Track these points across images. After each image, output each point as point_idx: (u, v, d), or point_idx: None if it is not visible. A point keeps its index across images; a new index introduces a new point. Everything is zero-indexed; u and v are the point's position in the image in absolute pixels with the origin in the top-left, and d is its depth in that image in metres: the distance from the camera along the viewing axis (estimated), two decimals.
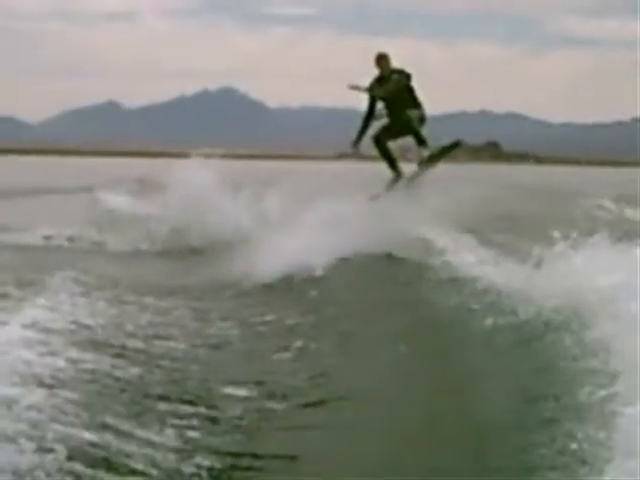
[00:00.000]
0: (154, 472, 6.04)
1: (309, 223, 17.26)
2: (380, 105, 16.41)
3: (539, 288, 10.74)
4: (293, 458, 6.82)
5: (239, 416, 7.86)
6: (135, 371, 8.94)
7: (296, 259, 15.18)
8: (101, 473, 5.82)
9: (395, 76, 15.93)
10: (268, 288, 14.48)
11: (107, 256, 20.52)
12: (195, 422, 7.38)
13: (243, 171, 39.86)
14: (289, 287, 14.38)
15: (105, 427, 6.75)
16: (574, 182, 69.86)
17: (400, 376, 9.03)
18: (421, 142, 16.24)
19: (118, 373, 8.73)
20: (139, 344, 10.28)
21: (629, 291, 8.32)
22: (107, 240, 22.76)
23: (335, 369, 9.49)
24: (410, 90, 16.13)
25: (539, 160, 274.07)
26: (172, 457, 6.43)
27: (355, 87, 16.55)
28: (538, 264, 12.81)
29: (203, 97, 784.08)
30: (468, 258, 13.97)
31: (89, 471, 5.81)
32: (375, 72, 16.32)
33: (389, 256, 15.40)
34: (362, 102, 16.41)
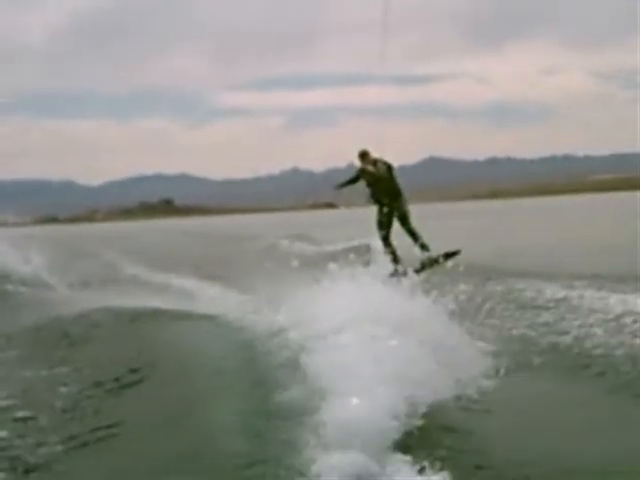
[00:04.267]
0: None
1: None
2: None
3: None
4: None
5: None
6: None
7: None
8: None
9: (380, 165, 15.17)
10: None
11: None
12: None
13: None
14: None
15: None
16: (249, 227, 72.30)
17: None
18: (423, 247, 14.83)
19: None
20: None
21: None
22: None
23: None
24: (393, 179, 15.28)
25: (206, 212, 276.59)
26: None
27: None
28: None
29: None
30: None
31: None
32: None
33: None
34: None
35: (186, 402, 8.86)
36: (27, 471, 6.49)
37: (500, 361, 8.67)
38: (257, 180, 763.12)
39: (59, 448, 7.23)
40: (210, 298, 17.04)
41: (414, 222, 15.01)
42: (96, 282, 23.08)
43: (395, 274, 13.87)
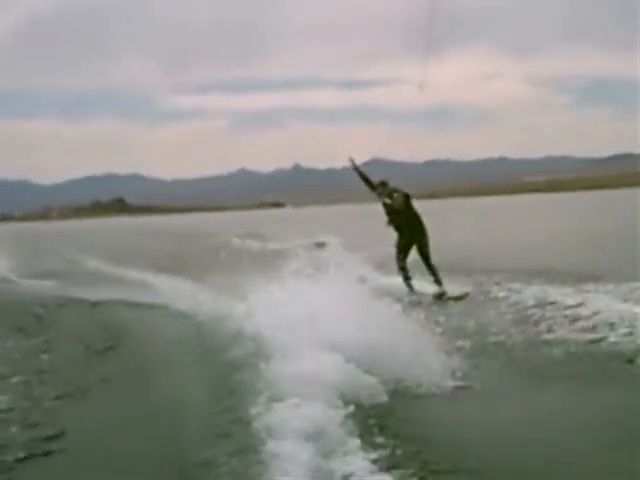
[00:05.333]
0: None
1: None
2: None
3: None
4: None
5: None
6: None
7: None
8: None
9: (396, 196, 14.86)
10: None
11: None
12: None
13: None
14: None
15: None
16: (200, 226, 70.92)
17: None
18: (437, 281, 14.71)
19: None
20: None
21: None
22: None
23: None
24: (411, 209, 15.00)
25: (157, 210, 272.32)
26: None
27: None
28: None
29: None
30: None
31: None
32: None
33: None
34: None
35: (156, 363, 10.14)
36: (34, 424, 7.47)
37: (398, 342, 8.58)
38: (206, 180, 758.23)
39: (58, 403, 8.27)
40: (168, 289, 17.67)
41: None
42: (58, 276, 23.72)
43: (411, 294, 13.95)
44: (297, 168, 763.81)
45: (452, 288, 15.19)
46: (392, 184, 15.67)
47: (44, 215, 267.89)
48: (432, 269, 14.91)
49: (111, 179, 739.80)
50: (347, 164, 15.30)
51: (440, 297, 14.53)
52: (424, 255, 14.86)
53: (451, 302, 14.39)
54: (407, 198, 15.00)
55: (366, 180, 15.43)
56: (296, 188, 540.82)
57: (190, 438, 6.68)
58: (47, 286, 21.15)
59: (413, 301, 13.41)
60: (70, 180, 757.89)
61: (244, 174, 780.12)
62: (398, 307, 9.52)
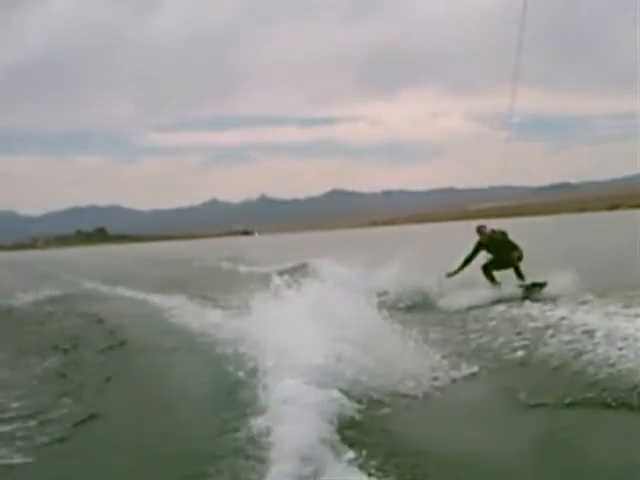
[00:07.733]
0: None
1: None
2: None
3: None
4: None
5: None
6: None
7: None
8: None
9: (498, 235, 17.03)
10: None
11: None
12: None
13: None
14: None
15: None
16: (186, 252, 69.00)
17: None
18: (520, 275, 16.47)
19: None
20: None
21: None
22: None
23: None
24: (507, 239, 16.99)
25: (136, 239, 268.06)
26: None
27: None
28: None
29: None
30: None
31: None
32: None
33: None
34: None
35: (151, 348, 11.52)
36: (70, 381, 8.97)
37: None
38: (180, 210, 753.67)
39: (101, 358, 10.21)
40: (171, 307, 17.44)
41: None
42: (62, 295, 23.66)
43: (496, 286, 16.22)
44: (264, 199, 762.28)
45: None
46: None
47: (31, 244, 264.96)
48: (522, 276, 16.45)
49: (93, 210, 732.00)
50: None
51: (538, 286, 15.93)
52: (517, 268, 16.55)
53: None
54: (504, 234, 17.04)
55: (471, 257, 16.92)
56: (263, 217, 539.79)
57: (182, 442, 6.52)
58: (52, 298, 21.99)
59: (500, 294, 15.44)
60: (55, 211, 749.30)
61: (215, 205, 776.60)
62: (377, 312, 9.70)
